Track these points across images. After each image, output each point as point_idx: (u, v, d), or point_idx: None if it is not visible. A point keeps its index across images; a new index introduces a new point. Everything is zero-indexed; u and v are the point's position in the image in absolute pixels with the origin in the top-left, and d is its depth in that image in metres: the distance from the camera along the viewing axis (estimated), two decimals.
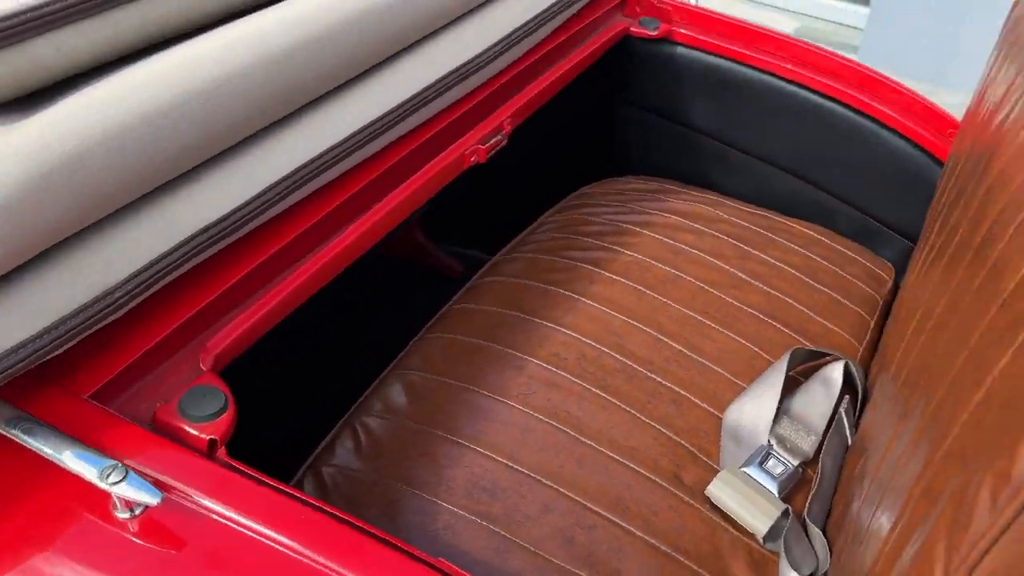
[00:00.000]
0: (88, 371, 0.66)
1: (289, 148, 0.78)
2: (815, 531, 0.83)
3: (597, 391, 0.92)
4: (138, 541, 0.58)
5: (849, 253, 1.23)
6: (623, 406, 0.91)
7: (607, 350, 0.97)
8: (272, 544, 0.57)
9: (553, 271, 1.10)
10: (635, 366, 0.96)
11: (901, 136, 1.22)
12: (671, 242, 1.16)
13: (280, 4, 0.82)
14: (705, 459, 0.89)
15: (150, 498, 0.56)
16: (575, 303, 1.03)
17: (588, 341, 0.98)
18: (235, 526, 0.58)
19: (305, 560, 0.56)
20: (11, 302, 0.59)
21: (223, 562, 0.57)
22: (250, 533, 0.58)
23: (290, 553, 0.56)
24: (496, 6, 1.07)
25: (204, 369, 0.69)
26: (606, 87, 1.45)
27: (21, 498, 0.61)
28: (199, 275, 0.74)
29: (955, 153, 1.02)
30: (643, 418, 0.91)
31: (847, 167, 1.29)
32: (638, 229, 1.18)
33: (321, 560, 0.56)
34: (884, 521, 0.61)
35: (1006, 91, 0.78)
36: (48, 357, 0.61)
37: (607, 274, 1.08)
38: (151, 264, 0.66)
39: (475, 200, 1.59)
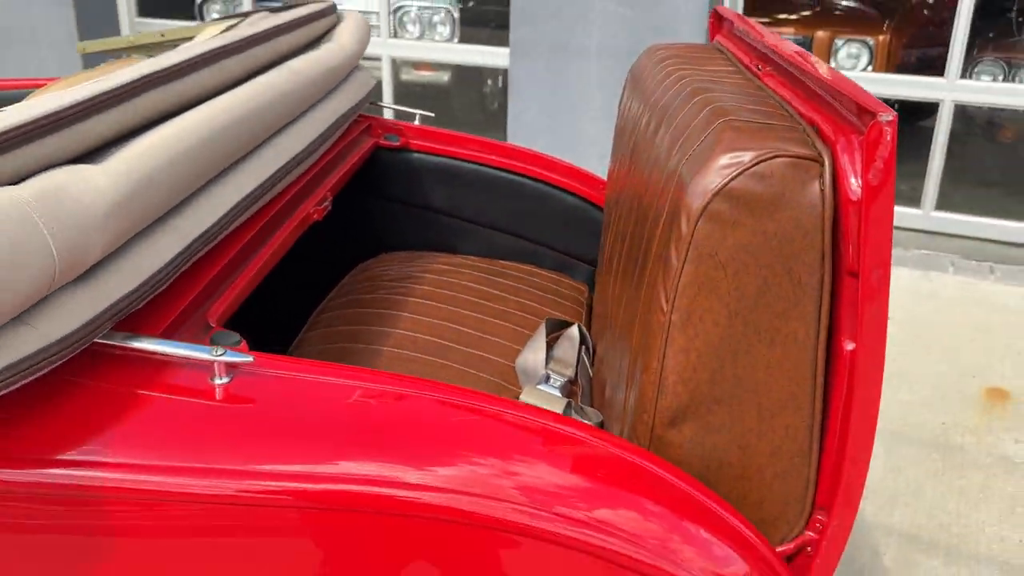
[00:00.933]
0: (148, 325, 0.97)
1: (234, 189, 1.17)
2: (588, 408, 1.32)
3: (432, 358, 1.35)
4: (238, 395, 0.89)
5: (557, 277, 1.79)
6: (456, 366, 1.35)
7: (433, 338, 1.41)
8: (327, 380, 0.91)
9: (374, 302, 1.51)
10: (452, 344, 1.40)
11: (574, 195, 1.83)
12: (445, 279, 1.63)
13: (190, 111, 1.20)
14: (512, 387, 1.35)
15: (247, 358, 0.89)
16: (399, 316, 1.46)
17: (420, 335, 1.41)
18: (299, 375, 0.92)
19: (353, 384, 0.91)
20: (120, 265, 0.90)
21: (298, 394, 0.90)
22: (308, 378, 0.91)
23: (337, 382, 0.91)
24: (287, 134, 1.51)
25: (213, 325, 1.02)
26: (367, 187, 1.92)
27: (148, 386, 0.89)
28: (199, 268, 1.10)
29: (607, 199, 1.63)
30: (470, 371, 1.35)
31: (543, 222, 1.88)
32: (420, 274, 1.64)
33: (361, 383, 0.91)
34: (624, 362, 1.11)
35: (617, 157, 1.39)
36: (140, 305, 0.92)
37: (413, 299, 1.52)
38: (185, 248, 1.00)
39: (266, 302, 1.94)
